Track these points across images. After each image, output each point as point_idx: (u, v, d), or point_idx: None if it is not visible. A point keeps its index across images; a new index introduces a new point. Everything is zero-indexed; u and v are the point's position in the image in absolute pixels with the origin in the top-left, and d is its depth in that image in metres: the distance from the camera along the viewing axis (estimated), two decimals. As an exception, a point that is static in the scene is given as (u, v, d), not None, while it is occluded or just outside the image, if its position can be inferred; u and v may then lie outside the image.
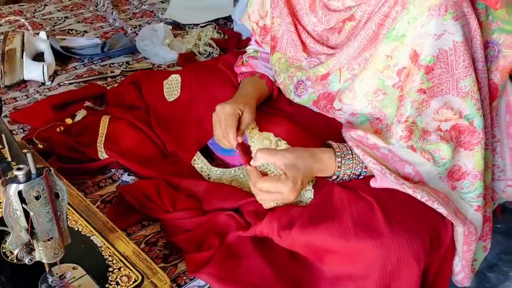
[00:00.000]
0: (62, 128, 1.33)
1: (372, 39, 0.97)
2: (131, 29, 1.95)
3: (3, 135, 0.91)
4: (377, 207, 0.88)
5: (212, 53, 1.82)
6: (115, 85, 1.60)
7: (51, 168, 0.73)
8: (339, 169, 0.93)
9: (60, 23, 2.04)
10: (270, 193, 0.91)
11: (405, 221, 0.88)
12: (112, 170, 1.25)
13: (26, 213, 0.73)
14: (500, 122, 1.07)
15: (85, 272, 0.87)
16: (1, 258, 0.88)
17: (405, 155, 0.92)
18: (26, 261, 0.77)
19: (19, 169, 0.71)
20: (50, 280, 0.82)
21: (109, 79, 1.66)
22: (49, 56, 1.68)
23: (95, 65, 1.74)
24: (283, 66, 1.13)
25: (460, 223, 0.90)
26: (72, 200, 1.05)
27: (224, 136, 1.05)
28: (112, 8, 2.11)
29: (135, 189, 1.14)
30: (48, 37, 1.77)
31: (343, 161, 0.93)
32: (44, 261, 0.78)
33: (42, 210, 0.73)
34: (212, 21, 2.02)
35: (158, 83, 1.39)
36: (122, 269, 0.90)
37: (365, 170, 0.94)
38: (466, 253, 0.94)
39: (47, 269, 0.81)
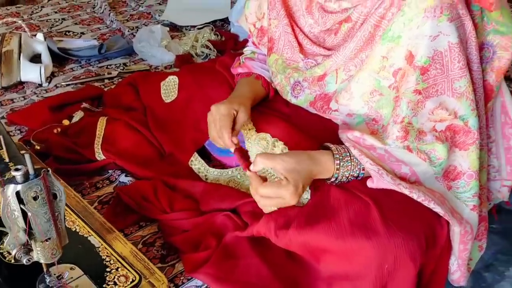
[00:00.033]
0: (59, 129, 1.33)
1: (368, 40, 0.98)
2: (128, 31, 1.96)
3: (0, 136, 0.91)
4: (374, 207, 0.89)
5: (209, 54, 1.82)
6: (112, 86, 1.60)
7: (48, 168, 0.74)
8: (337, 171, 0.93)
9: (57, 25, 2.04)
10: (272, 199, 0.91)
11: (401, 221, 0.88)
12: (110, 171, 1.26)
13: (24, 214, 0.73)
14: (495, 123, 1.08)
15: (83, 273, 0.87)
16: (-1, 259, 0.89)
17: (401, 155, 0.92)
18: (24, 261, 0.77)
19: (17, 169, 0.71)
20: (48, 280, 0.82)
21: (106, 81, 1.66)
22: (46, 58, 1.68)
23: (92, 67, 1.74)
24: (280, 67, 1.14)
25: (457, 222, 0.90)
26: (70, 201, 1.05)
27: (219, 136, 1.06)
28: (109, 10, 2.11)
29: (133, 190, 1.14)
30: (45, 38, 1.78)
31: (341, 163, 0.93)
32: (42, 261, 0.79)
33: (40, 211, 0.74)
34: (209, 23, 2.03)
35: (155, 84, 1.39)
36: (119, 269, 0.90)
37: (363, 171, 0.94)
38: (463, 252, 0.94)
39: (45, 270, 0.82)
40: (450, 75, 0.92)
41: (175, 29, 2.02)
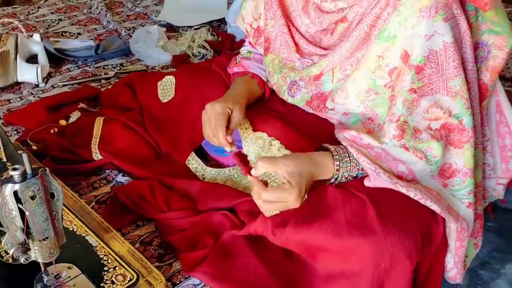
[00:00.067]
0: (56, 129, 1.33)
1: (364, 40, 0.99)
2: (125, 31, 1.96)
3: (-2, 136, 0.91)
4: (370, 205, 0.89)
5: (206, 55, 1.83)
6: (109, 86, 1.61)
7: (46, 168, 0.74)
8: (337, 172, 0.93)
9: (53, 25, 2.04)
10: (275, 203, 0.90)
11: (397, 219, 0.88)
12: (107, 171, 1.26)
13: (22, 213, 0.73)
14: (491, 122, 1.09)
15: (80, 272, 0.87)
16: (-4, 258, 0.89)
17: (398, 154, 0.93)
18: (22, 260, 0.77)
19: (14, 169, 0.71)
20: (45, 279, 0.83)
21: (103, 81, 1.66)
22: (43, 58, 1.68)
23: (89, 67, 1.74)
24: (277, 67, 1.15)
25: (453, 220, 0.91)
26: (67, 201, 1.05)
27: (214, 135, 1.06)
28: (106, 11, 2.11)
29: (130, 190, 1.15)
30: (42, 39, 1.78)
31: (341, 164, 0.93)
32: (39, 260, 0.79)
33: (37, 210, 0.74)
34: (206, 23, 2.03)
35: (152, 84, 1.39)
36: (117, 268, 0.90)
37: (362, 172, 0.94)
38: (459, 249, 0.95)
39: (42, 269, 0.82)
40: (445, 74, 0.92)
41: (171, 30, 2.02)
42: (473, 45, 0.97)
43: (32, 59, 1.69)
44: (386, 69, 0.96)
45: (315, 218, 0.90)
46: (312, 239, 0.90)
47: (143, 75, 1.56)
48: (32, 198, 0.72)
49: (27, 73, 1.60)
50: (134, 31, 1.95)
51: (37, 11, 2.16)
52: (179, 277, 0.99)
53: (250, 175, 0.92)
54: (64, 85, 1.62)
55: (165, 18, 2.08)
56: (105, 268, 0.90)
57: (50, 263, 0.81)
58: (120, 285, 0.87)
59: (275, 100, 1.19)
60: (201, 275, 0.96)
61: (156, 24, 2.01)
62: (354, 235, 0.87)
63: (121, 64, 1.77)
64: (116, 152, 1.25)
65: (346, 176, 0.94)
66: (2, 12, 2.12)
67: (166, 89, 1.36)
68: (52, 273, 0.84)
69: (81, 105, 1.46)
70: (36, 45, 1.72)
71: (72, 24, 2.06)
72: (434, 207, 0.90)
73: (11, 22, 1.88)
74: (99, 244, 0.95)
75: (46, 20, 2.08)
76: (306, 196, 0.98)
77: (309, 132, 1.10)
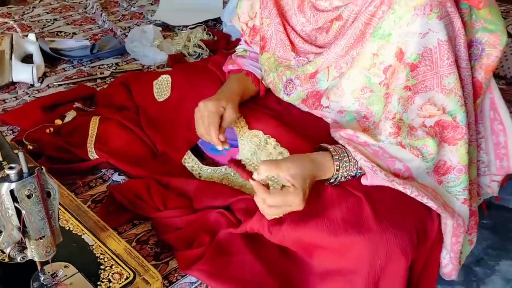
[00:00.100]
0: (51, 129, 1.33)
1: (359, 38, 0.99)
2: (120, 31, 1.96)
3: (-7, 136, 0.91)
4: (366, 203, 0.89)
5: (201, 54, 1.83)
6: (105, 86, 1.60)
7: (42, 167, 0.74)
8: (337, 172, 0.93)
9: (49, 25, 2.03)
10: (281, 207, 0.88)
11: (393, 216, 0.89)
12: (103, 170, 1.26)
13: (18, 212, 0.73)
14: (485, 119, 1.09)
15: (77, 270, 0.87)
16: (-7, 258, 0.89)
17: (394, 151, 0.93)
18: (18, 259, 0.77)
19: (11, 168, 0.71)
20: (42, 278, 0.83)
21: (98, 81, 1.66)
22: (38, 58, 1.68)
23: (85, 67, 1.74)
24: (273, 66, 1.15)
25: (449, 216, 0.91)
26: (63, 200, 1.05)
27: (206, 133, 1.07)
28: (101, 10, 2.11)
29: (126, 189, 1.15)
30: (37, 39, 1.77)
31: (341, 164, 0.93)
32: (36, 259, 0.79)
33: (34, 209, 0.74)
34: (201, 22, 2.04)
35: (148, 83, 1.39)
36: (114, 266, 0.90)
37: (360, 171, 0.94)
38: (455, 245, 0.95)
39: (39, 268, 0.82)
40: (439, 72, 0.93)
41: (167, 29, 2.02)
42: (467, 43, 0.98)
43: (27, 59, 1.69)
44: (381, 67, 0.97)
45: (311, 216, 0.91)
46: (308, 237, 0.90)
47: (139, 74, 1.56)
48: (29, 197, 0.72)
49: (22, 73, 1.59)
50: (129, 30, 1.94)
51: (32, 11, 2.15)
52: (175, 275, 0.99)
53: (253, 179, 0.89)
54: (59, 85, 1.62)
55: (161, 17, 2.08)
56: (102, 267, 0.90)
57: (46, 262, 0.81)
58: (117, 283, 0.87)
59: (270, 99, 1.19)
60: (197, 273, 0.96)
61: (152, 24, 2.01)
62: (350, 233, 0.87)
63: (117, 64, 1.77)
64: (112, 151, 1.24)
65: (346, 175, 0.94)
66: (-4, 12, 2.12)
67: (162, 88, 1.36)
68: (48, 272, 0.84)
69: (77, 104, 1.46)
70: (31, 45, 1.72)
71: (67, 24, 2.05)
72: (431, 204, 0.90)
73: (6, 22, 1.88)
74: (96, 243, 0.95)
75: (41, 20, 2.08)
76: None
77: (304, 130, 1.10)
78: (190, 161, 1.22)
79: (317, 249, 0.91)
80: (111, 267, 0.90)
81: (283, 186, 0.90)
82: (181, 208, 1.08)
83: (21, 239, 0.76)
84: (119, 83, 1.49)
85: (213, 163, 1.24)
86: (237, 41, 1.56)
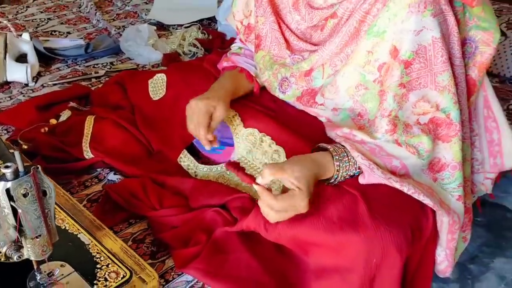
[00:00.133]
0: (46, 128, 1.33)
1: (354, 35, 1.00)
2: (114, 30, 1.95)
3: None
4: (361, 200, 0.90)
5: (196, 53, 1.83)
6: (100, 85, 1.60)
7: (38, 166, 0.74)
8: (337, 172, 0.92)
9: (43, 25, 2.03)
10: (287, 212, 0.87)
11: (388, 214, 0.89)
12: (98, 169, 1.26)
13: (14, 211, 0.73)
14: (478, 117, 1.10)
15: (73, 269, 0.87)
16: (-12, 258, 0.88)
17: (391, 149, 0.93)
18: (15, 258, 0.77)
19: (6, 167, 0.71)
20: (38, 277, 0.83)
21: (93, 80, 1.66)
22: (32, 57, 1.68)
23: (79, 66, 1.74)
24: (268, 64, 1.15)
25: (445, 213, 0.92)
26: (59, 199, 1.05)
27: (196, 132, 1.08)
28: (95, 9, 2.11)
29: (121, 188, 1.15)
30: (31, 38, 1.77)
31: (341, 164, 0.92)
32: (32, 258, 0.79)
33: (30, 208, 0.74)
34: (196, 21, 2.03)
35: (143, 82, 1.39)
36: (110, 265, 0.90)
37: (359, 170, 0.94)
38: (451, 242, 0.96)
39: (35, 267, 0.82)
40: (434, 69, 0.93)
41: (162, 28, 2.02)
42: (460, 41, 0.98)
43: (21, 58, 1.68)
44: (376, 64, 0.97)
45: (307, 214, 0.91)
46: (304, 235, 0.90)
47: (134, 73, 1.56)
48: (25, 195, 0.72)
49: (16, 73, 1.59)
50: (124, 29, 1.94)
51: (26, 10, 2.14)
52: (172, 274, 0.99)
53: (256, 184, 0.87)
54: (54, 84, 1.62)
55: (155, 16, 2.08)
56: (98, 266, 0.90)
57: (43, 261, 0.81)
58: (113, 282, 0.87)
59: (265, 97, 1.19)
60: (194, 272, 0.96)
61: (146, 23, 2.01)
62: (346, 231, 0.87)
63: (111, 63, 1.77)
64: (108, 151, 1.24)
65: (345, 175, 0.94)
66: (-10, 11, 2.11)
67: (157, 87, 1.36)
68: (45, 271, 0.84)
69: (72, 104, 1.46)
70: (25, 44, 1.71)
71: (62, 23, 2.05)
72: (427, 201, 0.90)
73: (0, 22, 1.87)
74: (92, 242, 0.94)
75: (35, 19, 2.07)
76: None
77: (299, 128, 1.11)
78: (185, 160, 1.22)
79: (313, 247, 0.91)
80: (107, 266, 0.90)
81: (284, 189, 0.89)
82: (177, 206, 1.09)
83: (17, 238, 0.76)
84: (114, 82, 1.49)
85: (209, 161, 1.24)
86: (232, 40, 1.57)
